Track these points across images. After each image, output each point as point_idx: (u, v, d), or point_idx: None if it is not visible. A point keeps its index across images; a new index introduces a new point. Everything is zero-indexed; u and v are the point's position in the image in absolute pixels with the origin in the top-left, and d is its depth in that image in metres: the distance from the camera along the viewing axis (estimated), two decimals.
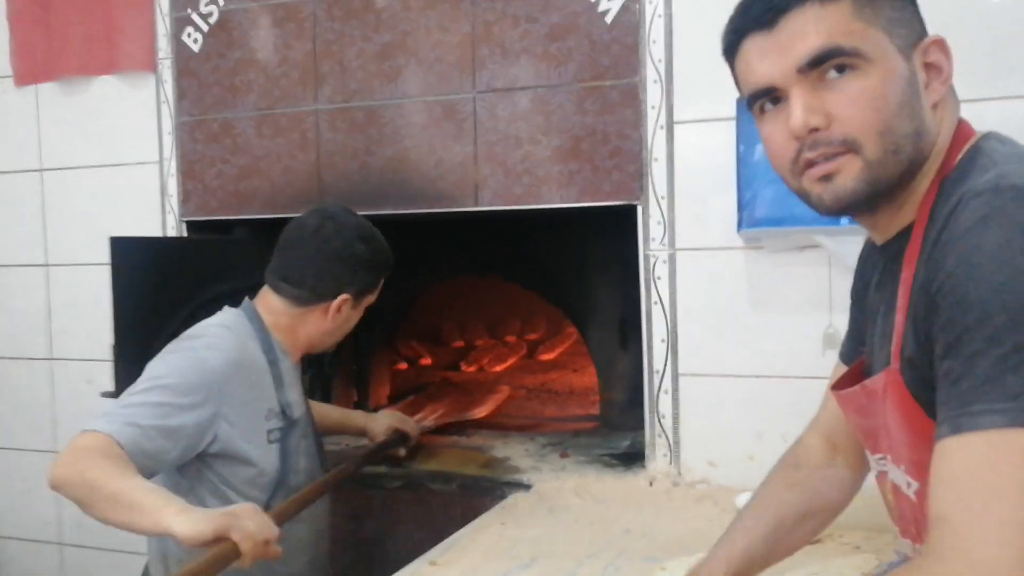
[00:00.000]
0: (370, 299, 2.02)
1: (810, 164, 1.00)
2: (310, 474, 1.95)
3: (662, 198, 2.18)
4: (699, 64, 2.14)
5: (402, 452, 2.41)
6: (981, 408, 0.83)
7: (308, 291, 1.90)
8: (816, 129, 0.98)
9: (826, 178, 1.00)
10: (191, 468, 1.78)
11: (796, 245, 2.06)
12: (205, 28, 2.63)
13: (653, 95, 2.18)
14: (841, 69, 0.97)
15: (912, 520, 1.05)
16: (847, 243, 1.96)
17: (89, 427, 1.59)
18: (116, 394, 2.22)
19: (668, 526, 1.93)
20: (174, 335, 2.17)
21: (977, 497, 0.82)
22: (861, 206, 1.02)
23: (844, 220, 1.88)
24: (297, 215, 2.00)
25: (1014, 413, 0.81)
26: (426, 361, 3.76)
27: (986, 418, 0.82)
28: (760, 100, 1.05)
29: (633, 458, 2.37)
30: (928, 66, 1.01)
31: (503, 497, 2.20)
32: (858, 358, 1.20)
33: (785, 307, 2.09)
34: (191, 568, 1.46)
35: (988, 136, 1.02)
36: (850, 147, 0.98)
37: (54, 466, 1.55)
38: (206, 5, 2.63)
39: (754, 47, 1.02)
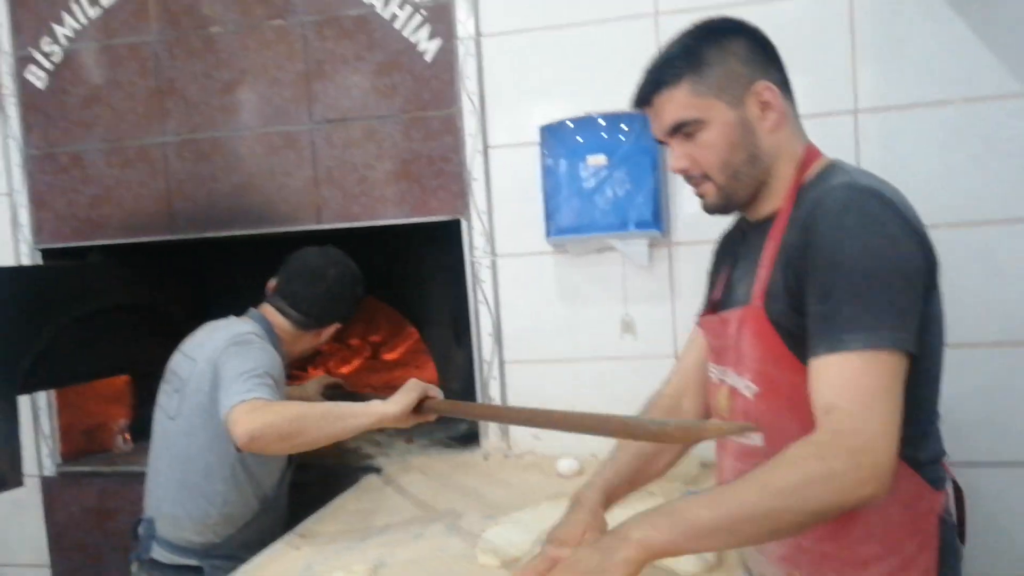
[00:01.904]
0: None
1: (692, 185, 1.48)
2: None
3: (483, 212, 2.52)
4: (507, 97, 2.49)
5: None
6: (849, 337, 1.20)
7: (312, 319, 2.36)
8: (685, 168, 1.45)
9: (701, 196, 1.48)
10: (230, 447, 2.10)
11: (595, 248, 2.44)
12: (49, 66, 2.79)
13: (470, 124, 2.51)
14: (689, 132, 1.41)
15: (743, 412, 1.42)
16: (635, 245, 2.36)
17: (238, 400, 1.94)
18: None
19: (501, 490, 2.27)
20: (43, 355, 2.41)
21: (858, 394, 1.18)
22: (725, 211, 1.49)
23: (631, 226, 2.30)
24: (214, 234, 2.32)
25: (874, 338, 1.19)
26: None
27: (854, 343, 1.20)
28: (663, 144, 1.50)
29: (470, 439, 2.70)
30: (761, 104, 1.40)
31: (357, 481, 2.49)
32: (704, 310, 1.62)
33: (588, 300, 2.48)
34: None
35: (837, 160, 1.45)
36: (706, 178, 1.44)
37: (244, 433, 1.88)
38: (48, 44, 2.78)
39: (649, 116, 1.48)
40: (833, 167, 1.42)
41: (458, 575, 1.71)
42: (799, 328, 1.30)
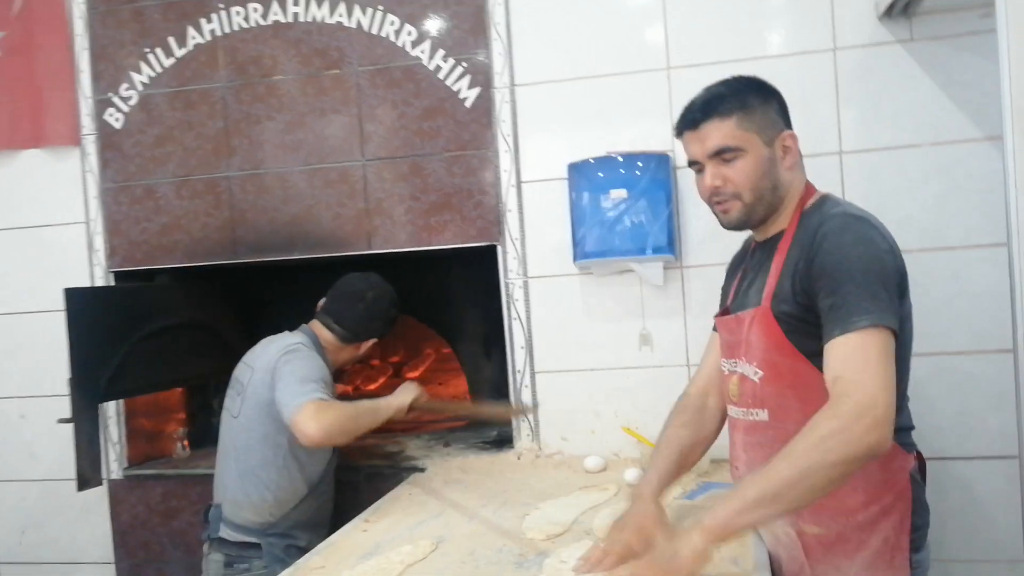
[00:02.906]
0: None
1: (716, 203, 1.81)
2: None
3: (516, 239, 2.87)
4: (538, 138, 2.85)
5: None
6: (856, 319, 1.54)
7: (353, 335, 2.73)
8: (717, 187, 1.77)
9: (724, 212, 1.81)
10: (283, 437, 2.52)
11: (616, 271, 2.79)
12: (126, 109, 3.13)
13: (505, 161, 2.87)
14: (730, 158, 1.75)
15: (751, 394, 1.77)
16: (651, 268, 2.71)
17: (304, 400, 2.36)
18: (73, 420, 2.71)
19: (535, 484, 2.58)
20: (119, 368, 2.77)
21: (860, 363, 1.50)
22: (742, 227, 1.83)
23: (648, 251, 2.64)
24: (270, 258, 2.93)
25: (873, 319, 1.53)
26: None
27: (860, 323, 1.53)
28: (694, 165, 1.83)
29: (502, 443, 3.03)
30: (784, 148, 1.78)
31: (404, 478, 2.80)
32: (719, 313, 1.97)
33: (610, 316, 2.82)
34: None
35: (829, 194, 1.81)
36: (735, 197, 1.77)
37: (317, 430, 2.31)
38: (126, 90, 3.12)
39: (688, 138, 1.82)
40: (827, 198, 1.81)
41: (510, 547, 2.00)
42: (798, 322, 1.67)
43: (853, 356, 1.52)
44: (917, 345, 2.55)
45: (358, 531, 2.24)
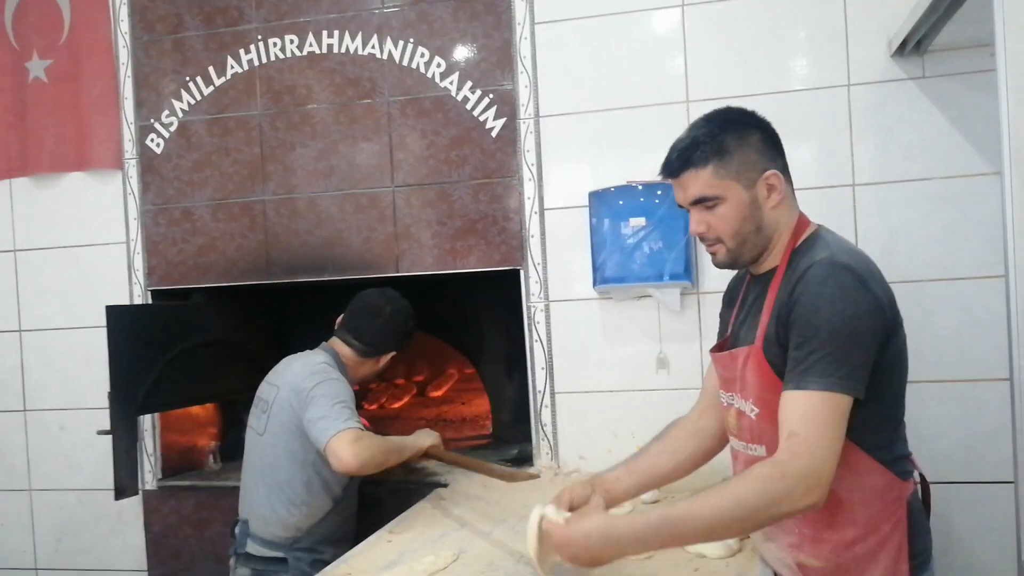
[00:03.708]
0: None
1: (706, 245, 1.85)
2: None
3: (538, 264, 2.97)
4: (561, 167, 2.96)
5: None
6: (814, 380, 1.59)
7: (372, 349, 2.80)
8: (702, 232, 1.81)
9: (712, 254, 1.84)
10: (312, 455, 2.61)
11: (635, 296, 2.89)
12: (166, 135, 3.27)
13: (528, 189, 2.98)
14: (709, 205, 1.77)
15: (748, 430, 1.82)
16: (669, 294, 2.80)
17: (339, 429, 2.45)
18: (112, 432, 2.83)
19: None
20: (156, 382, 2.90)
21: (815, 426, 1.56)
22: (731, 267, 1.87)
23: (666, 278, 2.73)
24: (301, 280, 3.08)
25: (830, 383, 1.58)
26: None
27: (817, 385, 1.58)
28: (683, 207, 1.86)
29: (522, 460, 3.11)
30: (768, 187, 1.77)
31: (427, 494, 2.89)
32: (715, 346, 2.01)
33: (629, 340, 2.92)
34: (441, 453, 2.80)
35: (821, 227, 1.82)
36: (719, 241, 1.81)
37: (354, 457, 2.41)
38: (166, 116, 3.27)
39: (673, 184, 1.84)
40: (818, 236, 1.80)
41: (526, 560, 2.10)
42: (784, 365, 1.69)
43: (808, 415, 1.58)
44: (927, 372, 2.63)
45: (383, 542, 2.34)
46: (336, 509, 2.72)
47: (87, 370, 3.30)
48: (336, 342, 2.81)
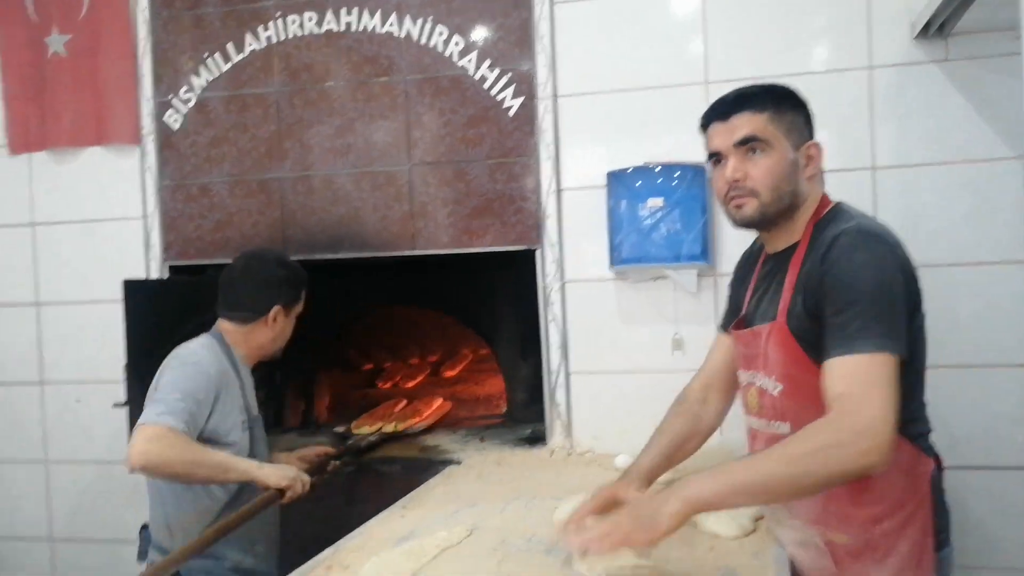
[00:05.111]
0: (298, 309, 2.62)
1: (732, 199, 1.81)
2: (266, 455, 2.58)
3: (554, 244, 2.97)
4: (579, 147, 2.95)
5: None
6: (861, 342, 1.57)
7: (248, 312, 2.51)
8: (737, 180, 1.78)
9: (738, 207, 1.80)
10: None
11: (651, 277, 2.88)
12: (184, 111, 3.28)
13: (546, 169, 2.97)
14: (754, 150, 1.76)
15: (772, 407, 1.81)
16: (685, 275, 2.79)
17: (151, 421, 2.18)
18: (128, 404, 2.84)
19: (566, 480, 2.66)
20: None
21: (865, 385, 1.52)
22: (754, 225, 1.83)
23: (683, 259, 2.72)
24: None
25: (878, 344, 1.56)
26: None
27: (865, 346, 1.56)
28: (713, 158, 1.84)
29: (536, 440, 3.11)
30: (808, 156, 1.80)
31: (440, 471, 2.89)
32: (733, 321, 2.00)
33: (644, 321, 2.91)
34: (245, 510, 2.12)
35: (842, 203, 1.82)
36: (752, 194, 1.78)
37: (140, 454, 2.14)
38: (184, 92, 3.27)
39: (715, 129, 1.82)
40: (840, 210, 1.81)
41: (541, 535, 2.08)
42: (814, 338, 1.69)
43: (857, 377, 1.55)
44: (946, 357, 2.62)
45: (395, 517, 2.34)
46: (234, 507, 2.38)
47: (103, 343, 3.31)
48: (219, 323, 2.56)
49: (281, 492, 2.32)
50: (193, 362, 2.38)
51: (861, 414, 1.50)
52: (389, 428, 3.34)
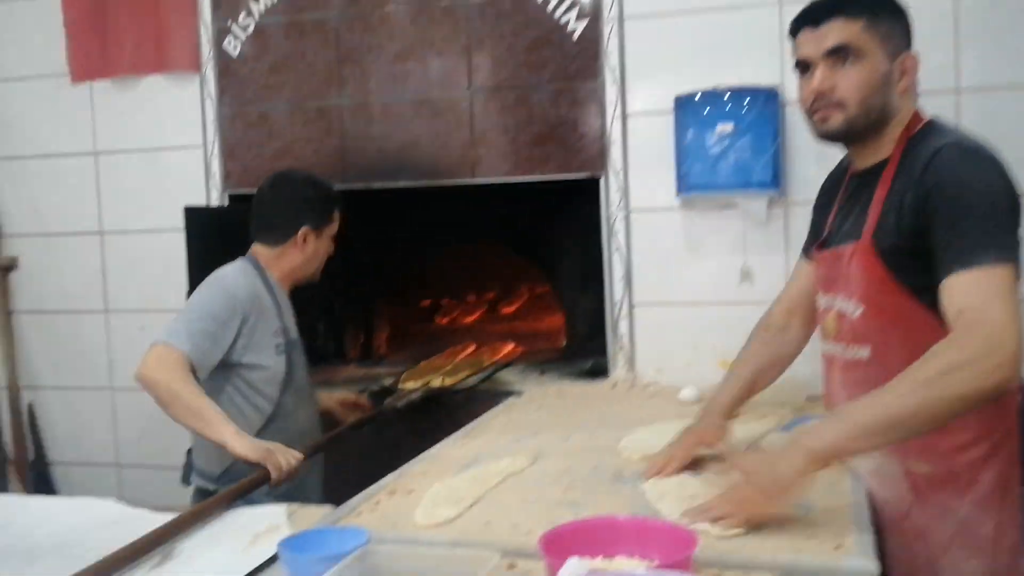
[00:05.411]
0: (330, 229, 2.55)
1: (816, 111, 1.72)
2: (306, 381, 2.56)
3: (618, 172, 2.89)
4: (645, 71, 2.86)
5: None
6: (979, 255, 1.48)
7: (278, 233, 2.48)
8: (823, 91, 1.69)
9: (822, 120, 1.71)
10: (223, 373, 2.35)
11: (719, 205, 2.79)
12: (243, 37, 3.24)
13: (611, 94, 2.88)
14: (845, 60, 1.67)
15: (851, 331, 1.74)
16: (755, 203, 2.71)
17: (162, 340, 2.19)
18: None
19: (629, 411, 2.62)
20: None
21: (986, 299, 1.45)
22: (839, 138, 1.75)
23: (753, 186, 2.63)
24: None
25: (996, 254, 1.49)
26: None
27: (983, 259, 1.48)
28: (801, 66, 1.75)
29: (596, 373, 3.07)
30: (903, 69, 1.70)
31: (500, 402, 2.86)
32: (815, 247, 1.93)
33: (711, 251, 2.83)
34: (233, 489, 2.03)
35: (936, 118, 1.75)
36: (839, 106, 1.68)
37: (144, 366, 2.17)
38: (244, 18, 3.23)
39: (804, 36, 1.73)
40: (935, 126, 1.73)
41: (606, 463, 2.05)
42: (904, 257, 1.62)
43: (977, 291, 1.47)
44: None
45: (458, 445, 2.32)
46: (268, 432, 2.37)
47: (166, 272, 3.32)
48: (255, 246, 2.53)
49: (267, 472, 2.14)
50: (221, 284, 2.37)
51: (987, 329, 1.42)
52: (437, 382, 3.04)
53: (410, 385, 3.02)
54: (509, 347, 3.59)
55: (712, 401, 1.96)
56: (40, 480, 3.61)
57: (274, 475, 2.12)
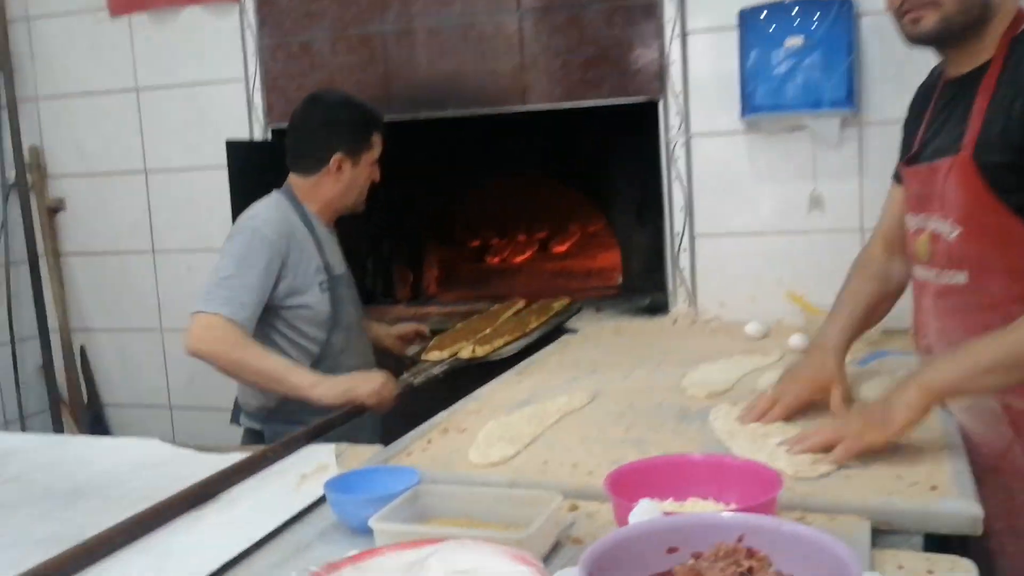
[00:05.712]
0: (370, 155, 2.38)
1: (906, 12, 1.55)
2: (355, 317, 2.45)
3: (678, 94, 2.72)
4: None
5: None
6: None
7: (311, 160, 2.33)
8: None
9: (914, 21, 1.55)
10: (265, 317, 2.24)
11: (787, 127, 2.62)
12: None
13: (669, 10, 2.70)
14: None
15: (946, 254, 1.59)
16: (827, 124, 2.53)
17: (202, 309, 2.10)
18: None
19: (691, 348, 2.49)
20: None
21: None
22: (933, 40, 1.58)
23: (825, 105, 2.45)
24: None
25: None
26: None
27: None
28: None
29: (656, 309, 2.93)
30: None
31: (554, 340, 2.75)
32: (903, 162, 1.76)
33: (778, 177, 2.67)
34: (329, 419, 1.98)
35: None
36: (933, 4, 1.52)
37: (193, 338, 2.10)
38: None
39: None
40: None
41: (669, 401, 1.94)
42: (1010, 173, 1.46)
43: None
44: None
45: (512, 383, 2.22)
46: (320, 369, 2.29)
47: (212, 211, 3.24)
48: (290, 177, 2.40)
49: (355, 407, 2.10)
50: (250, 227, 2.26)
51: None
52: (466, 353, 2.52)
53: (434, 356, 2.53)
54: (562, 303, 3.05)
55: (822, 336, 1.79)
56: (95, 422, 3.60)
57: (370, 401, 2.09)
